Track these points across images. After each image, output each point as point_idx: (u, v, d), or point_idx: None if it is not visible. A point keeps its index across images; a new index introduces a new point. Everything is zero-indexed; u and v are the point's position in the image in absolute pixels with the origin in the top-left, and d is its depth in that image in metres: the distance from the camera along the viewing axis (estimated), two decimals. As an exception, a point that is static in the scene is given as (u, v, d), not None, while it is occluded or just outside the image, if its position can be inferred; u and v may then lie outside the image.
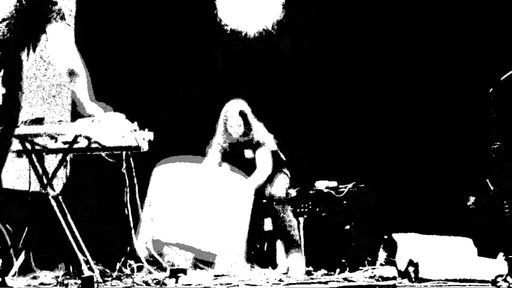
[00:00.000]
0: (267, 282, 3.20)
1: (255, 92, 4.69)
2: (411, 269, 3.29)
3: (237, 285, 3.07)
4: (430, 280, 3.25)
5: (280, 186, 3.93)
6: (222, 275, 3.34)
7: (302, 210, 4.14)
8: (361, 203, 4.10)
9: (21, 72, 2.78)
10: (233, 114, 3.98)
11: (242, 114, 3.97)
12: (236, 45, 5.15)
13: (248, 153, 4.02)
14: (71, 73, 2.92)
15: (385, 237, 3.64)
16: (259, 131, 4.02)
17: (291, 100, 5.00)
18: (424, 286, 3.16)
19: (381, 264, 3.58)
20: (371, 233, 3.99)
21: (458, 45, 4.80)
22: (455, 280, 3.22)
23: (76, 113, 3.23)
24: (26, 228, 3.26)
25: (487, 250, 3.59)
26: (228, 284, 3.12)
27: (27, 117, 3.11)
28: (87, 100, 3.03)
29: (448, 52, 4.83)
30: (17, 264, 3.14)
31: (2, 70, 2.70)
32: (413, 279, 3.28)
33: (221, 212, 3.49)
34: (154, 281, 3.15)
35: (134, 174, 3.53)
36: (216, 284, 3.10)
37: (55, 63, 2.99)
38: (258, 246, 4.04)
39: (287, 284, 3.19)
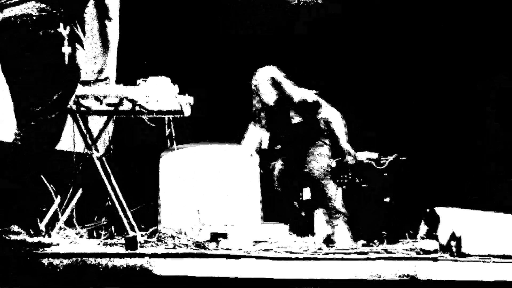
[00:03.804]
0: (307, 250, 3.21)
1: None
2: (453, 243, 3.26)
3: (278, 252, 3.09)
4: (473, 255, 3.21)
5: (320, 158, 3.92)
6: (262, 241, 3.36)
7: (342, 180, 4.11)
8: (402, 176, 4.07)
9: (84, 30, 2.81)
10: (261, 82, 3.92)
11: (273, 80, 3.91)
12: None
13: (295, 118, 3.98)
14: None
15: (427, 210, 3.61)
16: (298, 93, 3.96)
17: (333, 73, 4.95)
18: (466, 260, 3.13)
19: (421, 238, 3.55)
20: (412, 206, 3.97)
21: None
22: (499, 256, 3.17)
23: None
24: (71, 188, 3.33)
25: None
26: (267, 250, 3.14)
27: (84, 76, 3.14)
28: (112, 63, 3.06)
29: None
30: (62, 220, 3.22)
31: (68, 28, 2.72)
32: (455, 254, 3.24)
33: (229, 191, 3.51)
34: (195, 244, 3.19)
35: (174, 139, 3.56)
36: (255, 250, 3.12)
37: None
38: (297, 215, 4.06)
39: (326, 253, 3.20)
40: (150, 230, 3.32)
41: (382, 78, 4.94)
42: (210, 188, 3.51)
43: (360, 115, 4.84)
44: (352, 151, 4.00)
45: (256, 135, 4.12)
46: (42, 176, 3.10)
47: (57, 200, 3.32)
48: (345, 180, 4.11)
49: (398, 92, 4.92)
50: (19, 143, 2.77)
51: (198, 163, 3.57)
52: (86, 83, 3.21)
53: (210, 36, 5.02)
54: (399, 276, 2.75)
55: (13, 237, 2.73)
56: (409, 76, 4.91)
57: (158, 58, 4.59)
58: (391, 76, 4.93)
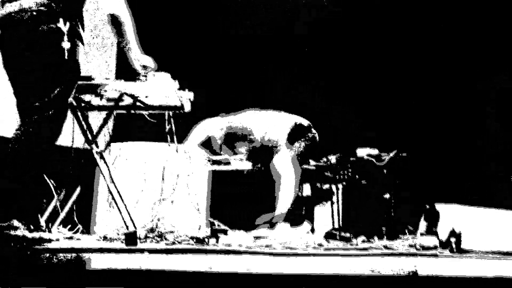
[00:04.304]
0: (307, 246, 3.22)
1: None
2: (453, 239, 3.25)
3: (278, 248, 3.09)
4: (473, 251, 3.21)
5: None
6: (262, 237, 3.36)
7: (342, 177, 4.11)
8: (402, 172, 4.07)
9: (83, 26, 2.81)
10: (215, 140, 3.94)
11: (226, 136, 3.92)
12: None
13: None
14: (116, 21, 2.94)
15: (427, 206, 3.61)
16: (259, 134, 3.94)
17: (333, 70, 4.96)
18: (466, 257, 3.12)
19: (421, 234, 3.55)
20: (411, 202, 3.97)
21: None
22: (498, 253, 3.17)
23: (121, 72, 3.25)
24: (72, 184, 3.32)
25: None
26: (267, 245, 3.14)
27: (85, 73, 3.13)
28: (137, 50, 3.05)
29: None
30: (61, 215, 3.22)
31: (68, 24, 2.72)
32: (455, 250, 3.24)
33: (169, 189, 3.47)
34: (195, 240, 3.19)
35: (175, 135, 3.55)
36: (256, 246, 3.13)
37: (103, 11, 3.01)
38: (296, 211, 4.04)
39: (326, 249, 3.20)
40: (149, 225, 3.31)
41: (382, 78, 4.96)
42: (149, 185, 3.46)
43: (360, 115, 4.86)
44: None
45: (207, 133, 4.11)
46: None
47: (57, 195, 3.32)
48: (345, 177, 4.11)
49: (399, 92, 4.93)
50: (20, 139, 2.77)
51: (138, 159, 3.52)
52: (86, 78, 3.21)
53: (210, 36, 5.03)
54: (399, 272, 2.75)
55: (13, 232, 2.72)
56: (409, 76, 4.93)
57: (159, 57, 4.59)
58: (392, 75, 4.95)
